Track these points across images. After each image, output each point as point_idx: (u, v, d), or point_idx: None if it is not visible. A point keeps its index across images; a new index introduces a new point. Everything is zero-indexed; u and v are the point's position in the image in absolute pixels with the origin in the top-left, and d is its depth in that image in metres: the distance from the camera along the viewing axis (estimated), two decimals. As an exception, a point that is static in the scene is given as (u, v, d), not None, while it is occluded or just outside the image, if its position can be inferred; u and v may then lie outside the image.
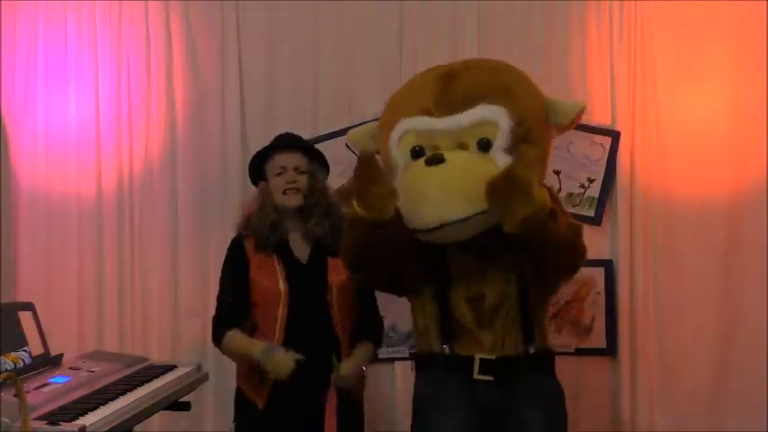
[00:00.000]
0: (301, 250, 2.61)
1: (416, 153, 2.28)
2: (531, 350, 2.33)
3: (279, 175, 2.59)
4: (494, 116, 2.22)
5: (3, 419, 1.94)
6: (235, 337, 2.58)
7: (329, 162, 3.24)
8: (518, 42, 3.35)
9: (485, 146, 2.22)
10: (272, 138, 2.89)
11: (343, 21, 3.44)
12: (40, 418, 2.04)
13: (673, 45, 3.30)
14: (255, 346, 2.52)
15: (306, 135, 3.35)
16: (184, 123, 3.49)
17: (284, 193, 2.57)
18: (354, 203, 2.16)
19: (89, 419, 2.08)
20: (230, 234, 2.81)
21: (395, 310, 3.23)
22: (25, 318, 2.66)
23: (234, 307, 2.62)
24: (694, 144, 3.29)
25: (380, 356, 3.37)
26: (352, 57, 3.44)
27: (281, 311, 2.54)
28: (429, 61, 3.34)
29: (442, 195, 2.13)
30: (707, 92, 3.29)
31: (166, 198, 3.49)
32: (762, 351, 3.22)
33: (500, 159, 2.19)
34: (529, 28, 3.37)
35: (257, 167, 2.70)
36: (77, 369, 2.59)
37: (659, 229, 3.30)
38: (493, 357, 2.28)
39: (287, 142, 2.68)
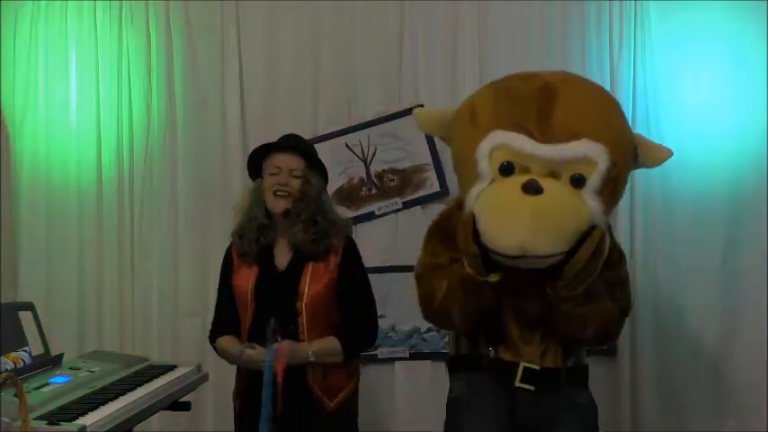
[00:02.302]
0: (283, 256, 2.59)
1: (505, 169, 2.18)
2: (570, 363, 2.34)
3: (273, 174, 2.56)
4: (595, 155, 2.14)
5: (3, 419, 1.94)
6: (222, 341, 2.62)
7: (329, 162, 3.25)
8: (518, 42, 3.35)
9: (578, 182, 2.14)
10: (272, 138, 2.88)
11: (343, 21, 3.44)
12: (40, 418, 2.04)
13: (672, 45, 3.30)
14: (232, 349, 2.55)
15: (306, 135, 3.35)
16: (184, 123, 3.49)
17: (275, 194, 2.55)
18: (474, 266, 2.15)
19: (89, 419, 2.08)
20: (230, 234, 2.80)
21: (395, 310, 3.24)
22: (25, 318, 2.65)
23: (225, 315, 2.65)
24: (694, 144, 3.29)
25: (380, 356, 3.39)
26: (352, 56, 3.44)
27: (248, 316, 2.55)
28: (429, 61, 3.37)
29: (533, 229, 2.05)
30: (707, 92, 3.29)
31: (166, 198, 3.49)
32: (762, 351, 3.22)
33: (590, 199, 2.14)
34: (529, 28, 3.37)
35: (257, 163, 2.66)
36: (77, 369, 2.58)
37: (659, 229, 3.30)
38: (537, 368, 2.27)
39: (287, 143, 2.66)
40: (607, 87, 3.30)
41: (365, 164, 3.42)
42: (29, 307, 2.72)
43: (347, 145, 3.40)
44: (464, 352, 2.40)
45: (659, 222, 3.30)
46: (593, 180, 2.14)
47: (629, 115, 3.25)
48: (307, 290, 2.51)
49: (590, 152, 2.14)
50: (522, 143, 2.16)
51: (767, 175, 3.24)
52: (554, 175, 2.14)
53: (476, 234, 2.11)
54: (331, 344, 2.52)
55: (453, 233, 2.27)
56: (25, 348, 2.57)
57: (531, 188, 2.07)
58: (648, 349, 3.28)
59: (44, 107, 3.51)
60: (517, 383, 2.26)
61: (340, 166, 3.40)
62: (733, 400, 3.26)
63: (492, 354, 2.30)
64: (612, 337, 2.39)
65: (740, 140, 3.27)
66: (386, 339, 3.35)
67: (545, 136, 2.15)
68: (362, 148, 3.41)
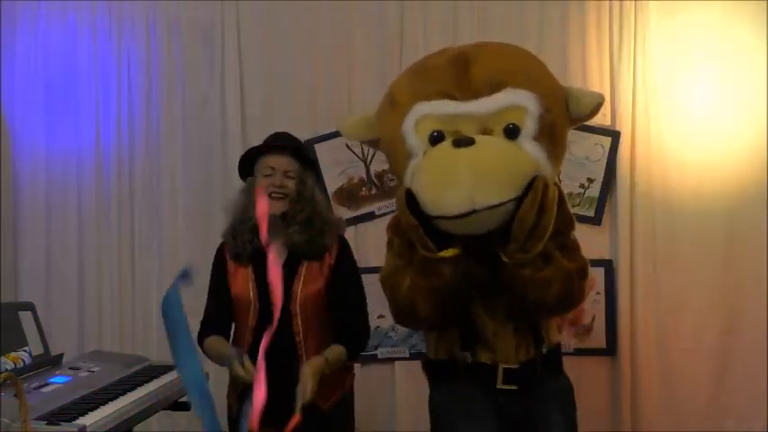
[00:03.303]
0: (278, 257, 2.59)
1: (435, 139, 2.12)
2: (544, 350, 2.31)
3: (267, 176, 2.53)
4: (522, 101, 2.07)
5: (3, 419, 1.94)
6: (211, 341, 2.57)
7: (329, 162, 3.25)
8: (518, 42, 3.31)
9: (512, 132, 2.07)
10: (271, 138, 2.88)
11: (343, 21, 3.44)
12: (40, 418, 2.04)
13: (672, 45, 3.31)
14: (224, 351, 2.50)
15: (306, 135, 3.36)
16: (184, 123, 3.49)
17: (270, 196, 2.51)
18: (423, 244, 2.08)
19: (89, 419, 2.08)
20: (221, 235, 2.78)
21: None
22: (25, 318, 2.65)
23: (215, 315, 2.61)
24: (694, 144, 3.29)
25: (380, 356, 3.39)
26: (352, 57, 3.44)
27: (252, 319, 2.52)
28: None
29: (475, 179, 1.98)
30: (707, 91, 3.29)
31: (166, 198, 3.49)
32: (762, 351, 3.23)
33: (528, 147, 2.07)
34: (529, 28, 3.37)
35: (247, 163, 2.63)
36: (77, 369, 2.58)
37: (659, 229, 3.30)
38: (516, 367, 2.25)
39: (279, 143, 2.62)
40: (607, 87, 3.33)
41: (365, 164, 3.42)
42: (29, 307, 2.72)
43: (347, 145, 3.40)
44: (441, 357, 2.35)
45: (659, 222, 3.30)
46: (528, 127, 2.07)
47: (628, 114, 3.29)
48: (299, 292, 2.50)
49: (516, 99, 2.08)
50: (444, 106, 2.11)
51: (767, 175, 3.24)
52: (486, 132, 2.09)
53: (413, 205, 2.06)
54: (339, 351, 2.49)
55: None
56: (25, 348, 2.57)
57: (462, 141, 2.02)
58: (648, 349, 3.28)
59: (44, 108, 3.51)
60: (499, 385, 2.24)
61: (340, 166, 3.40)
62: (733, 400, 3.27)
63: (469, 359, 2.27)
64: (575, 300, 2.25)
65: (740, 140, 3.27)
66: (386, 339, 3.35)
67: (468, 94, 2.10)
68: (362, 148, 3.40)
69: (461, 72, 2.14)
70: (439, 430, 2.36)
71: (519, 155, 2.05)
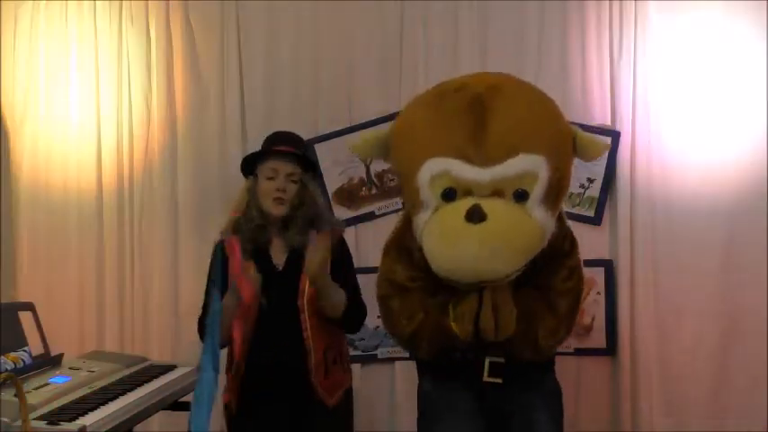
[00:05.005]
0: (279, 256, 2.60)
1: (447, 195, 2.19)
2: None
3: (270, 179, 2.56)
4: (534, 167, 2.15)
5: (3, 419, 1.95)
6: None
7: (329, 162, 3.25)
8: (518, 43, 3.35)
9: (521, 196, 2.16)
10: (272, 138, 2.88)
11: (343, 21, 3.44)
12: (40, 418, 2.04)
13: (672, 45, 3.30)
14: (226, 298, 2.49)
15: (306, 135, 3.35)
16: (184, 123, 3.49)
17: (273, 200, 2.55)
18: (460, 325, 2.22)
19: (89, 419, 2.08)
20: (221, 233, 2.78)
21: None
22: (25, 318, 2.66)
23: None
24: (694, 144, 3.29)
25: (380, 356, 3.39)
26: (352, 57, 3.44)
27: (254, 315, 2.53)
28: (429, 61, 3.38)
29: (484, 258, 2.07)
30: (707, 92, 3.29)
31: (166, 198, 3.49)
32: (762, 351, 3.22)
33: (536, 211, 2.16)
34: (529, 28, 3.37)
35: (249, 161, 2.66)
36: (77, 369, 2.59)
37: (659, 230, 3.30)
38: (502, 360, 2.30)
39: (282, 147, 2.63)
40: (607, 87, 3.33)
41: (365, 164, 3.41)
42: (29, 307, 2.72)
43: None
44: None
45: (659, 222, 3.30)
46: (536, 192, 2.16)
47: (628, 114, 3.28)
48: (307, 288, 2.53)
49: (529, 166, 2.15)
50: (460, 170, 2.16)
51: (767, 175, 3.24)
52: (497, 193, 2.15)
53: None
54: (342, 293, 2.56)
55: (409, 250, 2.33)
56: (25, 348, 2.57)
57: (476, 216, 2.09)
58: (648, 349, 3.28)
59: (44, 107, 3.51)
60: (485, 378, 2.31)
61: (340, 166, 3.40)
62: (733, 400, 3.26)
63: (458, 356, 2.33)
64: (567, 337, 2.40)
65: (740, 140, 3.27)
66: (386, 339, 3.34)
67: (482, 157, 2.15)
68: (362, 149, 3.40)
69: (478, 129, 2.17)
70: (424, 421, 2.43)
71: (526, 226, 2.15)
